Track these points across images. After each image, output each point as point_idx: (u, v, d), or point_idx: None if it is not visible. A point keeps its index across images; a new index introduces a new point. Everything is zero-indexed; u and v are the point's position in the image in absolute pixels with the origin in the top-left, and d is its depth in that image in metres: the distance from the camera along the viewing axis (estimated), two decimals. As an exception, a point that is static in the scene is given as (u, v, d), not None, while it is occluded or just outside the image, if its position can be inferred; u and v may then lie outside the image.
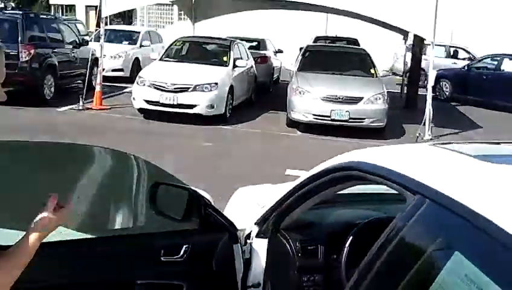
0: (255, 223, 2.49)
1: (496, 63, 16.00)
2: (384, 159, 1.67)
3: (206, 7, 15.75)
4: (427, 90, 10.79)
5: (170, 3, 21.75)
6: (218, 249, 2.32)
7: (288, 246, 2.44)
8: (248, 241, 2.45)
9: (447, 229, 1.21)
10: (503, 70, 15.70)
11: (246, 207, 2.95)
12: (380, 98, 10.38)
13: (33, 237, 1.57)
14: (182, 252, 2.20)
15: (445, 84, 16.97)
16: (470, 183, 1.30)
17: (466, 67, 16.83)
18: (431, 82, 10.74)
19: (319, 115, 10.12)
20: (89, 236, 2.21)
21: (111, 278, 2.07)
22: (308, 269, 2.39)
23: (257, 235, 2.46)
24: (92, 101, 11.57)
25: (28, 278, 1.54)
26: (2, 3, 65.55)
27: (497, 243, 1.02)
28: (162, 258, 2.17)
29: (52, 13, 45.86)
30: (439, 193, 1.26)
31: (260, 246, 2.44)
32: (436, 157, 1.57)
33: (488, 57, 16.53)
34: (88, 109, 11.30)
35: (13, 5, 64.02)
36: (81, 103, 11.27)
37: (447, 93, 16.83)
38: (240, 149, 8.97)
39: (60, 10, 50.03)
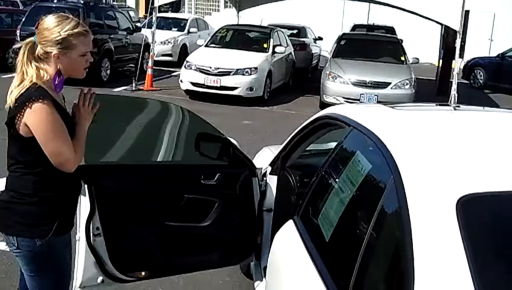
0: (269, 164, 3.48)
1: (530, 52, 16.42)
2: (343, 111, 2.64)
3: (250, -4, 16.71)
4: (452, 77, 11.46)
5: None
6: (240, 179, 3.31)
7: (290, 179, 3.42)
8: (264, 178, 3.44)
9: (357, 141, 2.18)
10: (536, 59, 16.13)
11: (266, 155, 3.95)
12: (407, 84, 11.17)
13: (81, 126, 2.45)
14: (215, 178, 3.21)
15: (479, 72, 17.46)
16: (375, 118, 2.26)
17: (500, 56, 17.27)
18: (456, 69, 11.42)
19: (349, 98, 10.97)
20: (158, 164, 3.26)
21: (169, 191, 3.11)
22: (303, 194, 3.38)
23: (270, 173, 3.44)
24: (144, 83, 12.74)
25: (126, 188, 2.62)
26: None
27: (372, 142, 1.98)
28: (202, 181, 3.19)
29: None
30: (358, 124, 2.23)
31: (272, 181, 3.42)
32: (371, 109, 2.52)
33: (523, 46, 16.94)
34: (140, 90, 12.46)
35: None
36: (133, 85, 12.45)
37: (481, 81, 17.32)
38: (273, 127, 9.95)
39: (111, -4, 51.97)
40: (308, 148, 3.46)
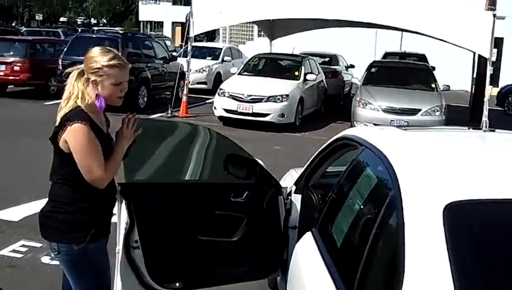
0: (294, 184, 3.71)
1: None
2: (357, 132, 2.86)
3: (282, 26, 17.07)
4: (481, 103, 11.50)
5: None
6: (267, 197, 3.54)
7: (313, 198, 3.64)
8: (289, 197, 3.66)
9: (367, 159, 2.41)
10: None
11: (291, 176, 4.18)
12: (437, 110, 11.28)
13: (119, 146, 2.75)
14: (244, 196, 3.43)
15: (513, 99, 17.38)
16: (384, 138, 2.48)
17: (534, 83, 17.18)
18: (487, 95, 11.47)
19: (379, 125, 11.13)
20: (191, 182, 3.51)
21: (201, 208, 3.35)
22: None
23: (294, 192, 3.67)
24: (179, 110, 13.16)
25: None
26: (95, 20, 69.74)
27: (379, 159, 2.20)
28: (231, 199, 3.41)
29: (141, 29, 49.08)
30: (369, 143, 2.45)
31: (296, 200, 3.64)
32: (382, 130, 2.75)
33: (557, 73, 16.81)
34: (175, 116, 12.87)
35: (105, 21, 67.99)
36: (169, 111, 12.87)
37: (516, 108, 17.23)
38: (304, 152, 10.12)
39: (149, 26, 53.40)
40: (330, 170, 3.68)
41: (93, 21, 67.55)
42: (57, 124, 2.69)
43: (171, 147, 3.54)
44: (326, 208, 2.70)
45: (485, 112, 11.24)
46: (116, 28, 40.75)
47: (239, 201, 3.41)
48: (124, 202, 3.03)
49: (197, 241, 3.30)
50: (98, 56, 2.71)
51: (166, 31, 47.97)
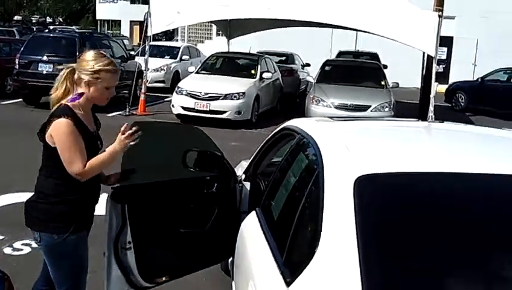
0: (243, 173, 4.03)
1: (507, 76, 17.16)
2: (295, 123, 3.21)
3: (240, 26, 17.39)
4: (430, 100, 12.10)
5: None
6: (231, 187, 3.79)
7: (260, 184, 3.97)
8: (240, 184, 3.97)
9: (301, 145, 2.76)
10: (513, 82, 16.86)
11: (242, 166, 4.50)
12: (386, 107, 11.81)
13: (110, 148, 2.95)
14: (214, 188, 3.66)
15: (460, 96, 18.16)
16: (315, 127, 2.84)
17: (480, 80, 18.00)
18: (433, 92, 12.07)
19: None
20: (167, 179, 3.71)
21: (178, 201, 3.55)
22: None
23: (244, 180, 3.98)
24: (137, 108, 13.33)
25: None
26: (51, 18, 68.24)
27: (310, 144, 2.54)
28: (205, 191, 3.64)
29: (98, 28, 48.57)
30: (303, 131, 2.81)
31: (246, 186, 3.95)
32: (316, 121, 3.11)
33: (501, 70, 17.67)
34: (133, 114, 13.03)
35: (61, 20, 66.62)
36: (127, 110, 13.03)
37: (463, 104, 18.00)
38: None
39: (106, 25, 52.86)
40: (276, 159, 4.01)
41: (48, 20, 66.33)
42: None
43: (161, 148, 3.70)
44: (268, 189, 3.04)
45: (431, 107, 11.84)
46: (73, 27, 40.25)
47: (211, 192, 3.58)
48: (115, 205, 3.11)
49: (178, 234, 3.44)
50: (94, 60, 2.92)
51: (124, 30, 47.60)
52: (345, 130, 2.79)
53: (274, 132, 3.58)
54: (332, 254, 1.81)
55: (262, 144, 3.81)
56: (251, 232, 2.81)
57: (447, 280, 1.78)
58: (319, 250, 1.86)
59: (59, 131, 2.83)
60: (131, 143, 2.96)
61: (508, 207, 2.07)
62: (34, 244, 5.06)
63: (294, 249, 2.12)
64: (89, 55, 2.96)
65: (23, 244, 5.00)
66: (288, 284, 1.94)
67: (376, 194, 1.99)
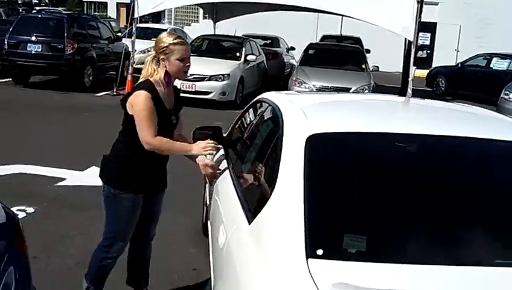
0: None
1: (486, 61, 17.63)
2: (267, 95, 3.59)
3: (226, 9, 17.66)
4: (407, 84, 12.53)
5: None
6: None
7: (235, 146, 4.33)
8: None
9: (269, 111, 3.17)
10: (492, 67, 17.33)
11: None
12: (366, 89, 12.23)
13: (188, 145, 3.41)
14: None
15: (441, 80, 18.63)
16: (281, 97, 3.24)
17: (460, 65, 18.46)
18: (411, 76, 12.49)
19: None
20: None
21: None
22: None
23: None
24: (124, 88, 13.59)
25: None
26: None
27: (275, 111, 2.94)
28: None
29: (84, 10, 48.30)
30: (272, 102, 3.21)
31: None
32: (286, 94, 3.51)
33: (480, 56, 18.14)
34: (120, 94, 13.28)
35: (47, 0, 66.10)
36: (114, 90, 13.33)
37: (443, 89, 18.47)
38: (243, 127, 10.94)
39: (93, 7, 52.54)
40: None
41: (34, 1, 65.71)
42: None
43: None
44: (239, 149, 3.47)
45: (409, 90, 12.26)
46: (59, 8, 40.10)
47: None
48: None
49: None
50: (164, 38, 3.30)
51: (111, 12, 47.42)
52: (306, 100, 3.21)
53: (250, 103, 3.97)
54: (283, 197, 2.20)
55: (240, 114, 4.20)
56: (224, 187, 3.21)
57: (377, 221, 2.18)
58: (273, 194, 2.25)
59: (137, 101, 3.20)
60: (207, 154, 3.43)
61: (434, 162, 2.49)
62: (29, 210, 5.49)
63: (256, 196, 2.51)
64: (161, 36, 3.34)
65: (18, 209, 5.35)
66: (249, 223, 2.35)
67: (323, 149, 2.39)
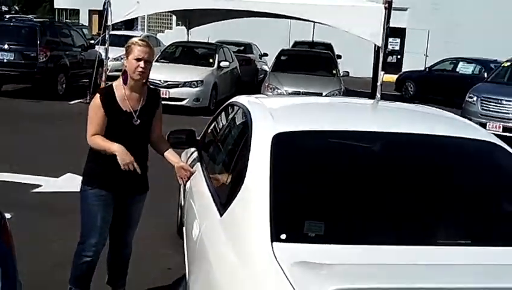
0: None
1: (452, 65, 18.16)
2: (238, 99, 3.80)
3: (199, 16, 17.81)
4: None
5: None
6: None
7: (207, 147, 4.52)
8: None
9: (239, 113, 3.38)
10: (458, 71, 17.86)
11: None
12: (337, 94, 12.54)
13: (176, 159, 3.61)
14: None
15: (410, 85, 19.10)
16: (250, 100, 3.45)
17: (428, 70, 18.96)
18: (379, 80, 12.84)
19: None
20: None
21: None
22: None
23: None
24: (98, 96, 13.70)
25: None
26: (7, 7, 66.79)
27: (245, 113, 3.15)
28: None
29: (56, 17, 47.93)
30: (242, 104, 3.42)
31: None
32: (254, 97, 3.72)
33: (447, 60, 18.66)
34: (94, 102, 13.40)
35: (17, 8, 65.13)
36: (88, 97, 13.36)
37: (412, 93, 18.93)
38: (217, 132, 11.13)
39: (64, 14, 52.16)
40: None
41: (4, 8, 64.94)
42: None
43: None
44: (211, 149, 3.69)
45: (378, 95, 12.60)
46: (30, 16, 39.74)
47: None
48: None
49: None
50: (132, 39, 3.49)
51: (83, 19, 47.16)
52: (274, 103, 3.44)
53: (222, 106, 4.18)
54: (251, 189, 2.41)
55: (212, 118, 4.41)
56: (197, 186, 3.40)
57: (334, 209, 2.41)
58: (242, 187, 2.46)
59: (91, 104, 3.50)
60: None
61: (386, 156, 2.73)
62: (7, 216, 5.57)
63: (227, 190, 2.72)
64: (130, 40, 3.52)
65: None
66: (221, 215, 2.55)
67: (287, 146, 2.62)
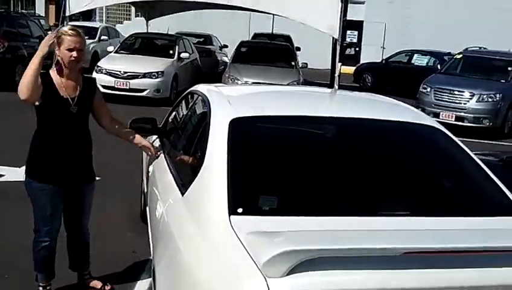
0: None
1: (408, 57, 18.70)
2: (198, 88, 3.98)
3: (159, 7, 17.80)
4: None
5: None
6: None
7: (169, 134, 4.67)
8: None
9: (199, 101, 3.57)
10: (413, 63, 18.41)
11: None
12: (295, 84, 12.79)
13: (138, 139, 3.72)
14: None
15: (367, 76, 19.56)
16: (208, 89, 3.65)
17: (384, 61, 19.45)
18: (337, 72, 13.15)
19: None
20: None
21: None
22: None
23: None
24: (57, 87, 13.60)
25: None
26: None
27: (204, 100, 3.35)
28: None
29: (11, 7, 46.83)
30: (201, 92, 3.61)
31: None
32: (213, 85, 3.92)
33: (403, 52, 19.19)
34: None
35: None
36: (47, 88, 13.28)
37: (369, 84, 19.39)
38: (178, 123, 11.25)
39: (19, 4, 50.94)
40: None
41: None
42: None
43: None
44: (173, 135, 3.87)
45: (336, 86, 12.91)
46: (-17, 6, 38.73)
47: None
48: None
49: None
50: (62, 29, 3.46)
51: (39, 9, 46.19)
52: (232, 91, 3.65)
53: (182, 95, 4.35)
54: (210, 169, 2.62)
55: (173, 106, 4.58)
56: (160, 171, 3.58)
57: (285, 185, 2.64)
58: (202, 168, 2.66)
59: None
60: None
61: (333, 137, 3.00)
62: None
63: (188, 172, 2.91)
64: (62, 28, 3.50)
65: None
66: (183, 195, 2.75)
67: (243, 129, 2.83)
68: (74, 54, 3.43)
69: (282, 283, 1.85)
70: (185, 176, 2.89)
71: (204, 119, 3.10)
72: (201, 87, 3.85)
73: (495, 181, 2.80)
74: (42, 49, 3.37)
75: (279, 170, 2.68)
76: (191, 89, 4.16)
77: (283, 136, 2.95)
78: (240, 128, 2.78)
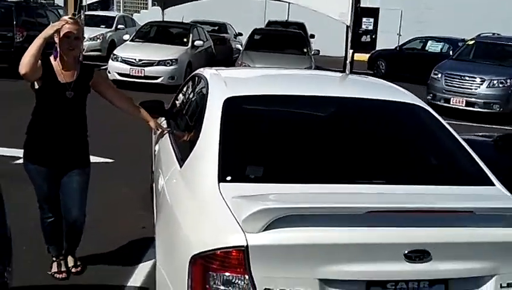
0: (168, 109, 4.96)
1: (422, 44, 18.72)
2: (202, 71, 4.23)
3: (174, -5, 18.11)
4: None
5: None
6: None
7: (174, 112, 4.93)
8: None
9: (200, 83, 3.82)
10: (427, 50, 18.43)
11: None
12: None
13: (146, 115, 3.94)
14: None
15: (381, 63, 19.63)
16: (209, 72, 3.89)
17: (398, 48, 19.49)
18: (349, 58, 13.31)
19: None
20: None
21: None
22: None
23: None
24: (74, 75, 13.94)
25: None
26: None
27: (204, 82, 3.60)
28: None
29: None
30: (202, 75, 3.85)
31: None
32: (215, 69, 4.17)
33: (417, 39, 19.21)
34: (71, 81, 13.65)
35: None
36: (64, 76, 13.63)
37: (383, 71, 19.46)
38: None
39: (39, -5, 51.60)
40: None
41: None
42: None
43: None
44: (177, 113, 4.14)
45: (347, 72, 13.09)
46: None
47: None
48: None
49: None
50: (63, 18, 3.60)
51: (58, 0, 46.74)
52: (230, 73, 3.92)
53: (187, 78, 4.62)
54: (205, 143, 2.88)
55: (179, 88, 4.85)
56: (164, 148, 3.85)
57: (271, 156, 2.88)
58: (198, 141, 2.93)
59: None
60: None
61: (322, 116, 3.23)
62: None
63: (186, 146, 3.18)
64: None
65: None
66: (181, 167, 3.02)
67: (236, 107, 3.08)
68: (70, 41, 3.52)
69: (259, 237, 2.12)
70: (184, 151, 3.16)
71: (203, 99, 3.36)
72: (203, 70, 4.11)
73: (472, 155, 3.01)
74: (46, 31, 3.45)
75: (267, 143, 2.94)
76: (195, 72, 4.42)
77: (272, 113, 3.21)
78: (233, 106, 3.03)
